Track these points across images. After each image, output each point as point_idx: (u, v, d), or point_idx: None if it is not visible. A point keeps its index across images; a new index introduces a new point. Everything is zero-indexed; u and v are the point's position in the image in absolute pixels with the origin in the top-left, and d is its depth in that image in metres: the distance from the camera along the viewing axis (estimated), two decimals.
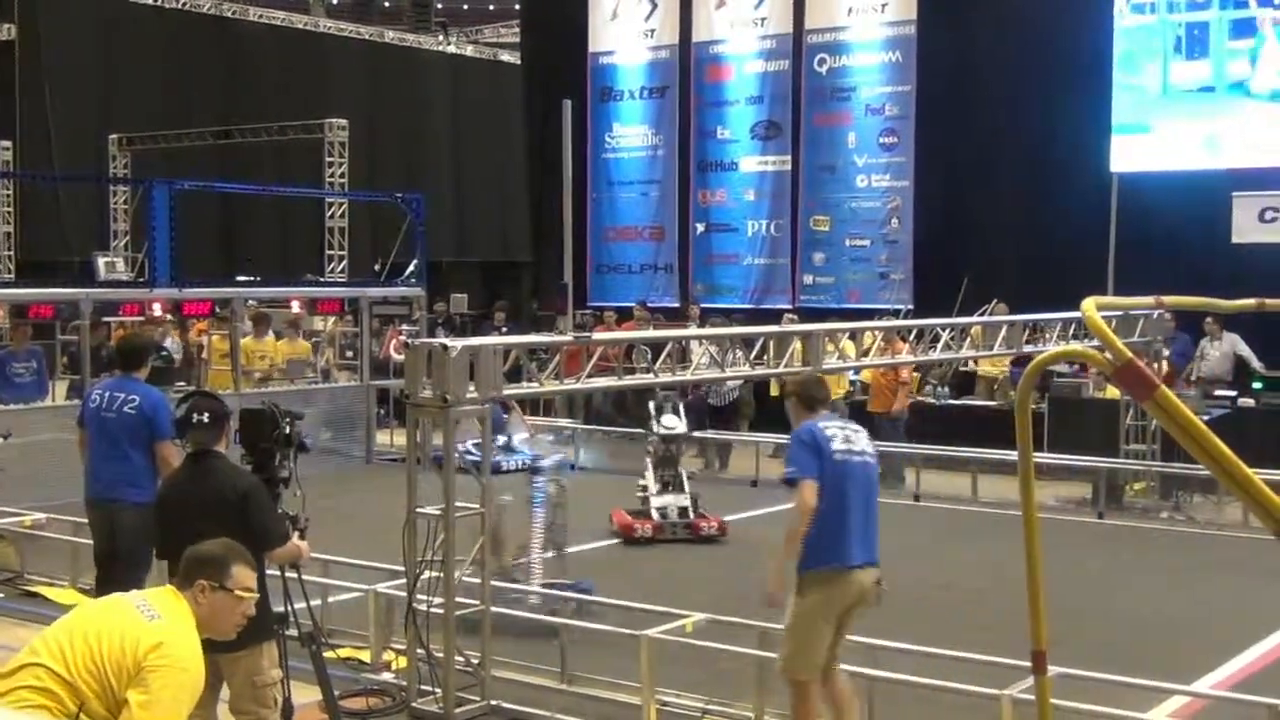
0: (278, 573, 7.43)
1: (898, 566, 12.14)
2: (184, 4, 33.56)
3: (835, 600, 7.08)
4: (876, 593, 7.17)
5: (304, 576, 7.43)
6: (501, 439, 17.12)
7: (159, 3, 33.51)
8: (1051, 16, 20.13)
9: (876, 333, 13.80)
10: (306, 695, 7.45)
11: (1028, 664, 4.67)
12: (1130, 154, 19.99)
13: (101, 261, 22.73)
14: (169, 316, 21.05)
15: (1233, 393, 16.63)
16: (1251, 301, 5.88)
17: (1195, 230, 18.50)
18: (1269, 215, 18.87)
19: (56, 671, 4.45)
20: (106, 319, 19.72)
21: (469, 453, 16.78)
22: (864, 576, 7.08)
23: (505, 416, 17.92)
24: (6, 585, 11.42)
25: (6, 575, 11.55)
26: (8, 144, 31.39)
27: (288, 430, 7.27)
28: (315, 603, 8.31)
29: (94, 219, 29.54)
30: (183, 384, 17.22)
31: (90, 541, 9.66)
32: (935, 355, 13.35)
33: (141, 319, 19.95)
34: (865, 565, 7.08)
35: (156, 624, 4.63)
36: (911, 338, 13.17)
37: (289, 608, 7.17)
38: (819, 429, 7.20)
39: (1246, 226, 18.91)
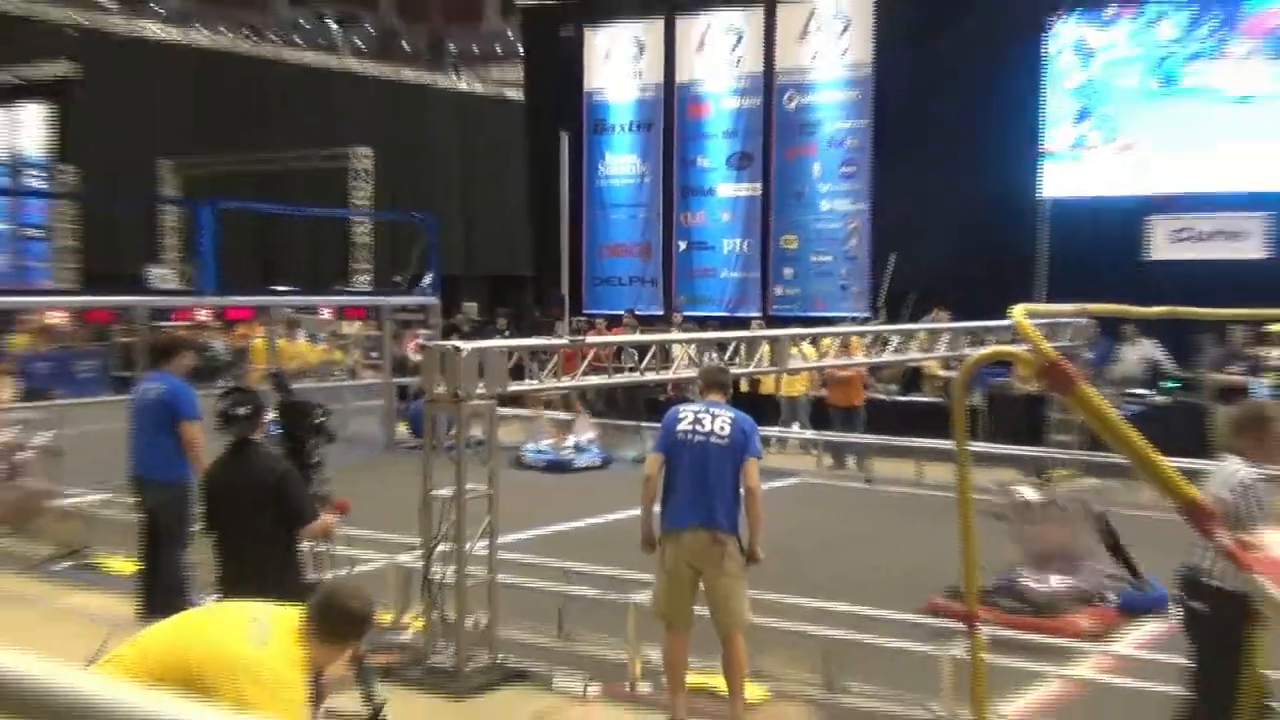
0: (311, 547, 7.49)
1: (852, 543, 12.31)
2: (226, 46, 33.60)
3: (673, 556, 7.22)
4: (716, 550, 7.11)
5: (336, 550, 7.49)
6: (572, 439, 17.05)
7: (204, 45, 33.56)
8: (992, 59, 20.22)
9: (836, 338, 13.89)
10: None
11: (964, 627, 4.73)
12: (1058, 181, 20.13)
13: (154, 273, 22.78)
14: (214, 322, 21.08)
15: (1146, 391, 16.74)
16: (1164, 309, 5.94)
17: (1115, 248, 18.62)
18: (1179, 235, 19.02)
19: (140, 659, 4.21)
20: (158, 323, 19.73)
21: (541, 452, 16.74)
22: (694, 536, 7.13)
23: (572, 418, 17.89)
24: (73, 556, 11.47)
25: (73, 548, 11.59)
26: (71, 167, 31.45)
27: (319, 421, 7.34)
28: (343, 572, 8.35)
29: (147, 235, 29.57)
30: (224, 381, 17.22)
31: None
32: (885, 358, 13.43)
33: (190, 324, 19.95)
34: (696, 527, 7.12)
35: (259, 650, 4.20)
36: (867, 342, 13.26)
37: (321, 578, 7.22)
38: (675, 411, 7.54)
39: (1160, 245, 19.06)
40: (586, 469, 16.73)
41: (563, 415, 18.35)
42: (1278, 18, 18.66)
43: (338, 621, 4.43)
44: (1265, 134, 18.60)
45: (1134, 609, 9.50)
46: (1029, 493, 10.39)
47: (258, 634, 4.26)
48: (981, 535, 8.89)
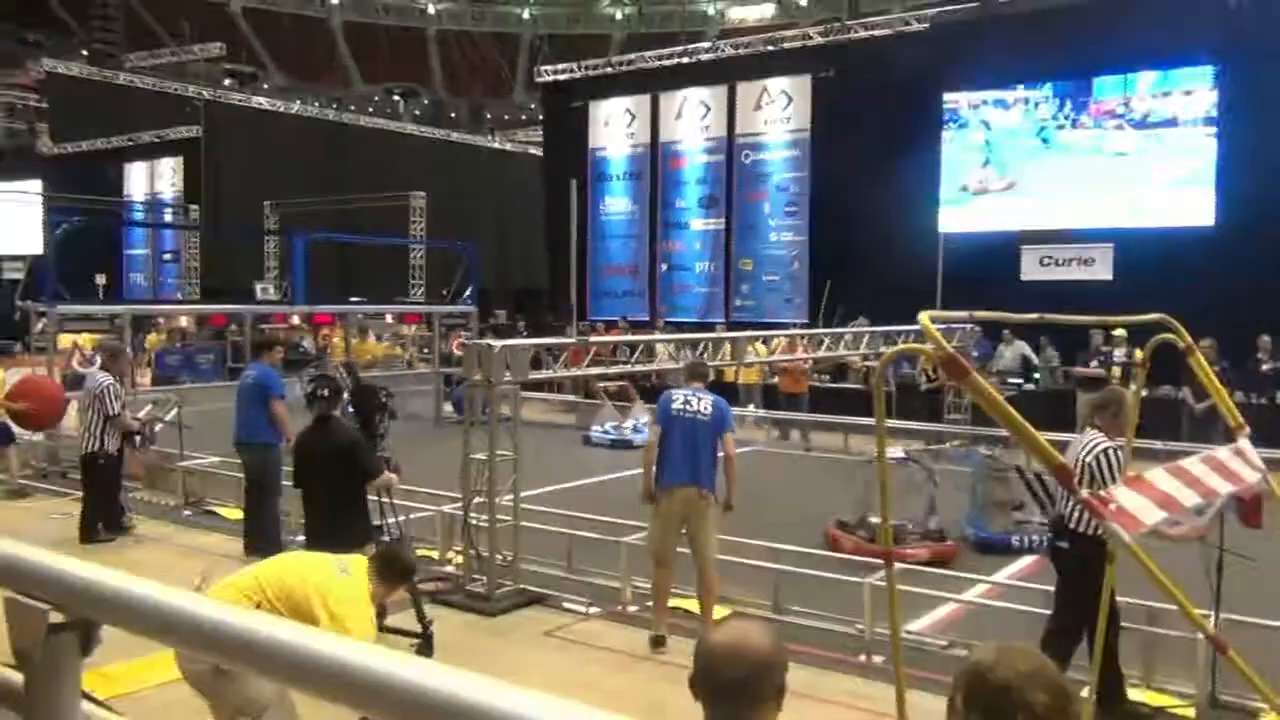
0: (376, 498, 7.41)
1: (795, 497, 12.24)
2: (316, 114, 33.46)
3: (666, 506, 7.16)
4: (702, 503, 7.10)
5: (395, 501, 7.41)
6: (630, 421, 16.36)
7: (299, 112, 33.44)
8: (902, 127, 20.19)
9: (782, 339, 13.84)
10: None
11: (880, 562, 4.67)
12: (953, 220, 20.12)
13: (258, 287, 22.68)
14: (304, 325, 20.99)
15: (1020, 380, 16.71)
16: (1035, 316, 5.88)
17: (995, 270, 18.58)
18: (1046, 261, 19.04)
19: (256, 585, 4.34)
20: (262, 325, 19.68)
21: (606, 432, 16.17)
22: (683, 491, 7.09)
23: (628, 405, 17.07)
24: (194, 506, 11.40)
25: (195, 499, 11.52)
26: (196, 206, 31.35)
27: (384, 401, 7.29)
28: (402, 518, 8.28)
29: (253, 258, 29.50)
30: (312, 369, 17.16)
31: None
32: (820, 354, 13.39)
33: (285, 326, 19.85)
34: (685, 484, 7.08)
35: (344, 581, 4.45)
36: (805, 341, 13.21)
37: (385, 523, 7.16)
38: (669, 394, 7.47)
39: (1030, 268, 19.07)
40: (642, 447, 15.90)
41: (620, 402, 17.34)
42: (1112, 104, 18.81)
43: (395, 570, 4.72)
44: (1110, 185, 18.74)
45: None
46: (896, 452, 10.35)
47: (341, 570, 4.50)
48: (864, 485, 8.88)
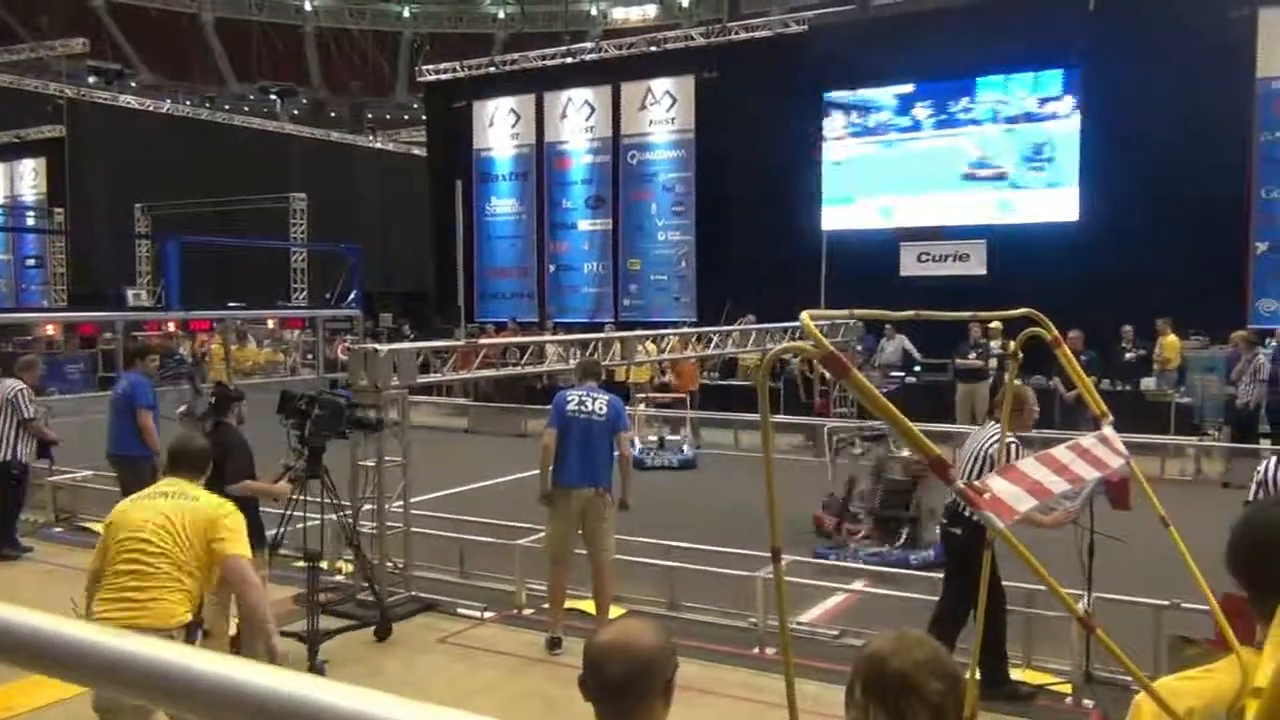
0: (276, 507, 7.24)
1: (684, 494, 12.36)
2: (188, 113, 32.44)
3: (563, 506, 7.18)
4: (599, 502, 7.14)
5: (290, 511, 7.26)
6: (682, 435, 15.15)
7: (171, 111, 32.41)
8: (785, 126, 20.56)
9: (674, 338, 13.95)
10: (286, 591, 7.30)
11: (769, 555, 4.76)
12: (834, 219, 20.55)
13: (130, 293, 21.92)
14: (180, 332, 20.38)
15: (901, 374, 17.15)
16: (911, 313, 6.08)
17: (876, 267, 19.04)
18: (923, 258, 19.59)
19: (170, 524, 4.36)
20: (134, 333, 19.02)
21: (644, 451, 14.26)
22: (580, 491, 7.13)
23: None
24: (65, 522, 10.97)
25: (66, 515, 11.08)
26: (61, 209, 30.19)
27: (303, 406, 7.17)
28: (289, 528, 8.09)
29: (123, 263, 28.49)
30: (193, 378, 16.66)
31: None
32: (709, 352, 13.54)
33: (159, 334, 19.23)
34: (580, 485, 7.12)
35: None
36: (694, 340, 13.34)
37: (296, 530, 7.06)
38: (563, 395, 7.45)
39: (909, 265, 19.60)
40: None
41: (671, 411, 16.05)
42: (981, 103, 19.45)
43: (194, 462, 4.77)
44: (981, 183, 19.40)
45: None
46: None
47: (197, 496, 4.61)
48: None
